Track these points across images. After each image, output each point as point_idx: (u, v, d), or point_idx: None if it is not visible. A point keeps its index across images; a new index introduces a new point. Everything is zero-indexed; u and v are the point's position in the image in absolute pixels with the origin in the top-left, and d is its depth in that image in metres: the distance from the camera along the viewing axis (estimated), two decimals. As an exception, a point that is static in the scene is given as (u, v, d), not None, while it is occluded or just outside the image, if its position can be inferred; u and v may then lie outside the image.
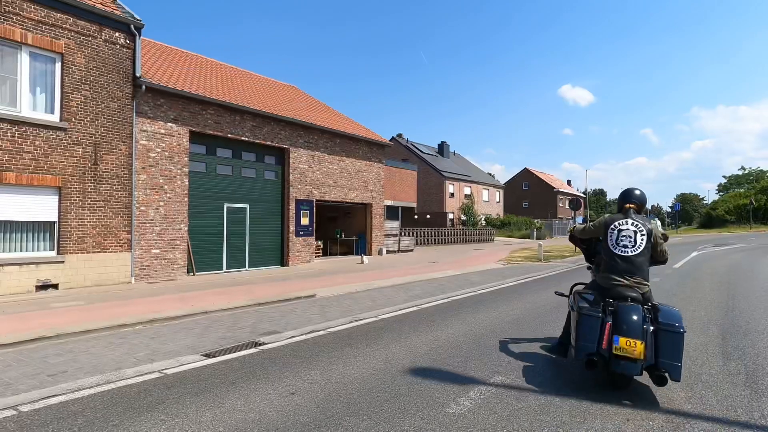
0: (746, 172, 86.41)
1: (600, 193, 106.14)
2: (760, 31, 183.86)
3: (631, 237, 4.33)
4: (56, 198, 10.75)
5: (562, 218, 63.56)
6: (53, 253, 10.75)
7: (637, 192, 4.62)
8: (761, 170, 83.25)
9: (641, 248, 4.29)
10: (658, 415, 3.69)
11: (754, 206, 58.95)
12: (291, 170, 17.18)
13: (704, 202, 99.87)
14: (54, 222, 10.76)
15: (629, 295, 4.15)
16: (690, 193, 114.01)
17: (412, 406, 3.85)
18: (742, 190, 76.65)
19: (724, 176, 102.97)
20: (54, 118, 10.76)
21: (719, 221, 62.39)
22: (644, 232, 4.33)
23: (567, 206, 54.28)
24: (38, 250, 10.62)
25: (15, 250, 10.31)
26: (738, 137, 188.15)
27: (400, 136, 49.04)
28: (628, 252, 4.30)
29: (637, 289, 4.24)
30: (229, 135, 14.92)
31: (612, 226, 4.45)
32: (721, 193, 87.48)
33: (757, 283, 11.57)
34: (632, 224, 4.38)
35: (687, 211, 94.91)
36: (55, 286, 10.62)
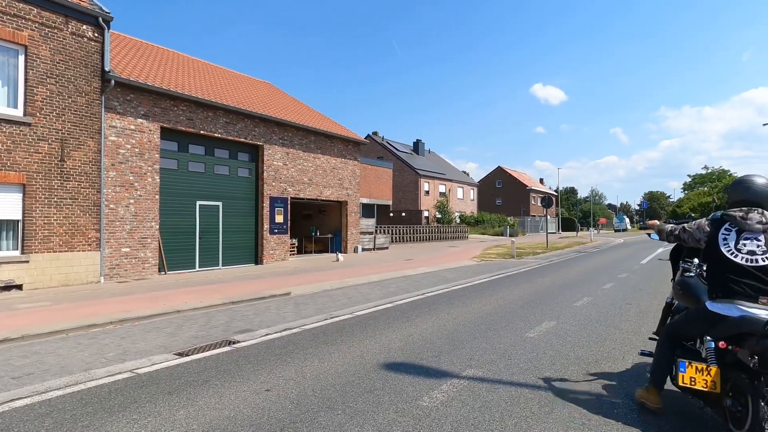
0: (709, 171, 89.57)
1: (571, 191, 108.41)
2: (725, 35, 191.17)
3: None
4: (20, 195, 10.39)
5: (534, 216, 64.81)
6: (17, 253, 10.39)
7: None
8: (723, 169, 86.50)
9: None
10: (622, 402, 3.85)
11: (717, 204, 61.33)
12: (265, 167, 17.01)
13: (670, 200, 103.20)
14: (18, 220, 10.40)
15: None
16: (657, 191, 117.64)
17: (386, 400, 3.92)
18: (705, 189, 79.53)
19: (689, 175, 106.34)
20: (17, 112, 10.38)
21: (684, 218, 64.72)
22: None
23: (539, 204, 55.30)
24: (0, 250, 10.25)
25: (-24, 250, 9.93)
26: (703, 137, 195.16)
27: (375, 133, 49.09)
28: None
29: None
30: (202, 131, 14.68)
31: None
32: (686, 192, 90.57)
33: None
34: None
35: (654, 209, 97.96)
36: (19, 287, 10.27)
